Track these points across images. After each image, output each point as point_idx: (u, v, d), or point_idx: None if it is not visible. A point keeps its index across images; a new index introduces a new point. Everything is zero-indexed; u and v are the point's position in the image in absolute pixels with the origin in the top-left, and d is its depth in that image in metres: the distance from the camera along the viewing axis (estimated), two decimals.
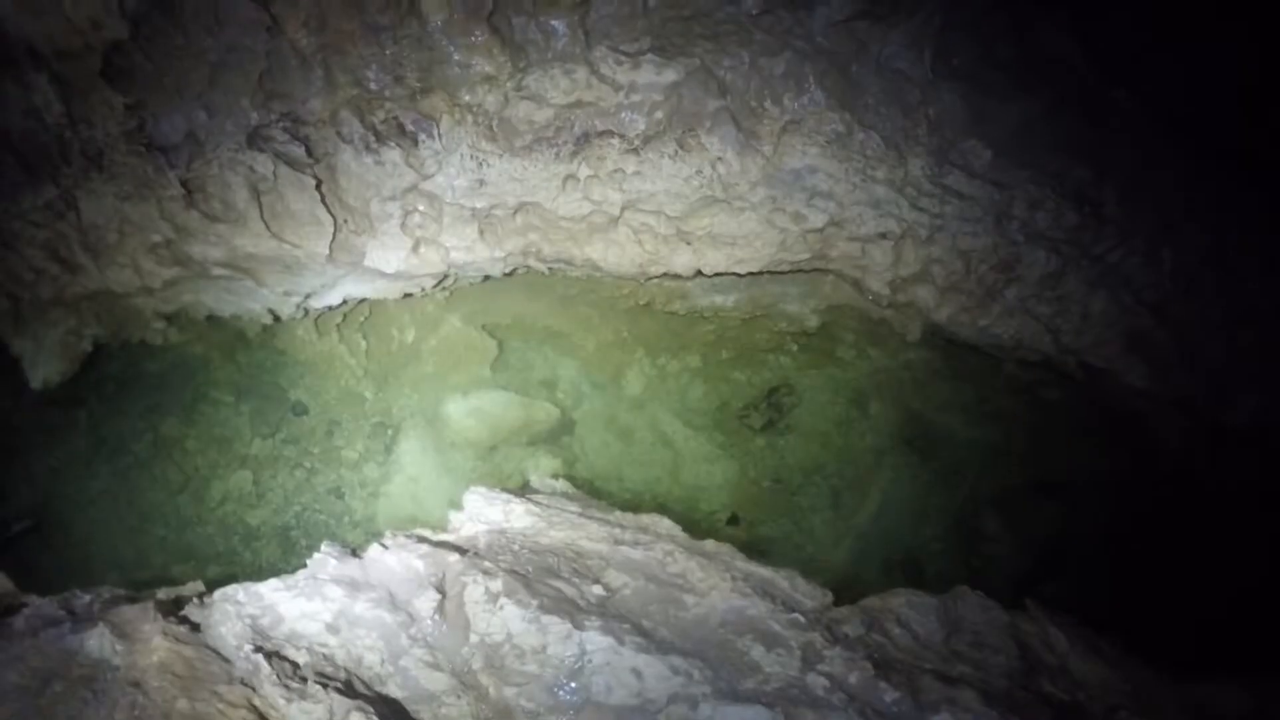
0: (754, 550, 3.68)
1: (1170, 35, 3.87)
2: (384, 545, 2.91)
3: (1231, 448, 3.93)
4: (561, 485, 3.48)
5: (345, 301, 3.97)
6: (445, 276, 3.83)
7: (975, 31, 3.98)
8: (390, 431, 3.89)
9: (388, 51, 3.80)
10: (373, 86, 3.80)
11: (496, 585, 2.73)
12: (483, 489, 3.23)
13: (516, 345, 3.93)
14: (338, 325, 4.29)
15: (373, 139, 3.77)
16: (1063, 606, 3.78)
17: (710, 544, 3.19)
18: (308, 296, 3.85)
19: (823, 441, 3.78)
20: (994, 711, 2.69)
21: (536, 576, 2.88)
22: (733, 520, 3.71)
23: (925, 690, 2.75)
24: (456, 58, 3.80)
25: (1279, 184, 4.07)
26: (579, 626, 2.60)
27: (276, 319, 3.99)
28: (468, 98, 3.78)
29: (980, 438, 3.87)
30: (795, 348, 3.84)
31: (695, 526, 3.66)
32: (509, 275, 3.83)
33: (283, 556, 3.34)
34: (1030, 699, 2.94)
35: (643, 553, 3.16)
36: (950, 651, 3.13)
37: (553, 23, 3.85)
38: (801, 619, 2.92)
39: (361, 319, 4.30)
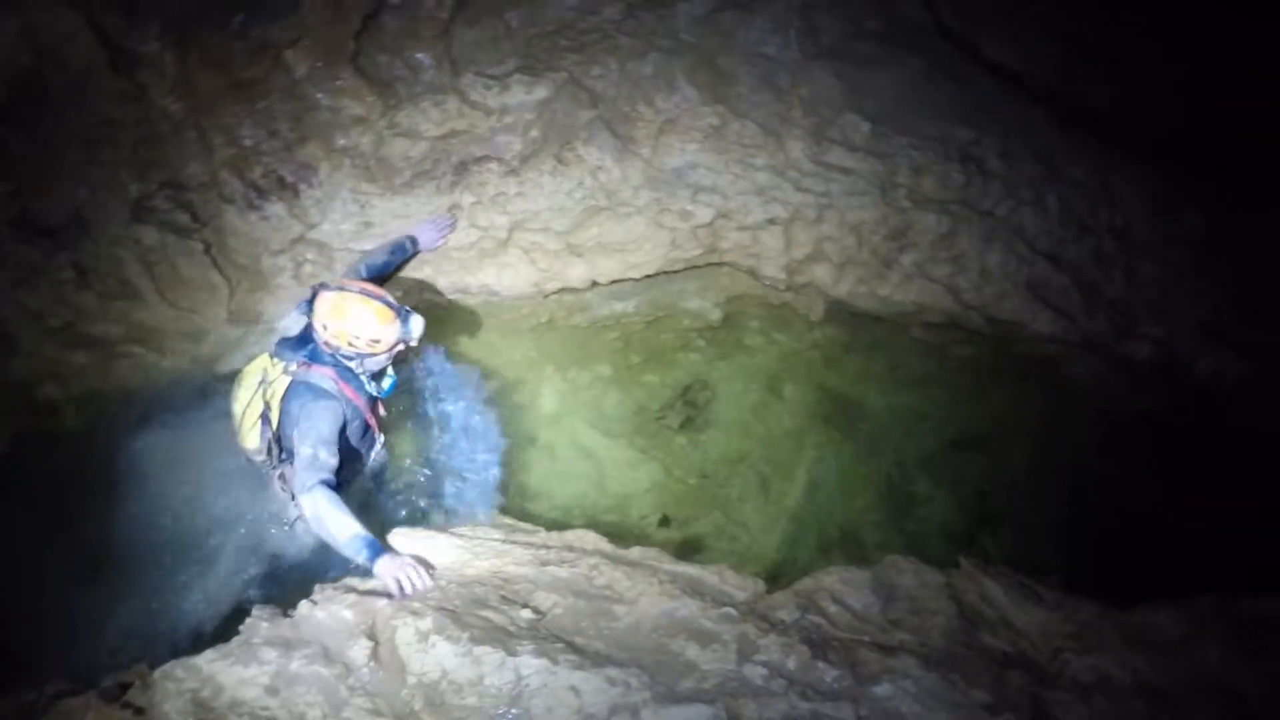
0: (689, 548, 3.72)
1: None
2: (313, 601, 2.91)
3: (1142, 379, 3.98)
4: (485, 514, 3.49)
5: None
6: None
7: (840, 8, 4.03)
8: None
9: (258, 107, 3.80)
10: (248, 143, 3.80)
11: (426, 624, 2.73)
12: (404, 530, 3.22)
13: None
14: None
15: (255, 195, 3.76)
16: (1002, 557, 3.83)
17: (636, 551, 3.20)
18: (214, 361, 3.83)
19: (743, 430, 3.81)
20: (933, 674, 2.72)
21: (465, 609, 2.88)
22: (664, 522, 3.72)
23: (864, 664, 2.76)
24: (326, 104, 3.80)
25: (1158, 122, 4.15)
26: (512, 653, 2.60)
27: None
28: (343, 141, 3.78)
29: (898, 404, 3.91)
30: (702, 343, 3.86)
31: (629, 534, 3.68)
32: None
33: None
34: (971, 655, 2.96)
35: (569, 570, 3.16)
36: (888, 621, 3.14)
37: (417, 56, 3.86)
38: (734, 612, 2.92)
39: None
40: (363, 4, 3.86)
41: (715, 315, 3.82)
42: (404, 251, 3.56)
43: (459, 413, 3.83)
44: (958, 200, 3.83)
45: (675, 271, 3.74)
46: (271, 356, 3.09)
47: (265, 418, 3.06)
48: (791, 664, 2.69)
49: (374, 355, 2.97)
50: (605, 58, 3.85)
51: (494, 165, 3.72)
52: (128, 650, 3.24)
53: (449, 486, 3.68)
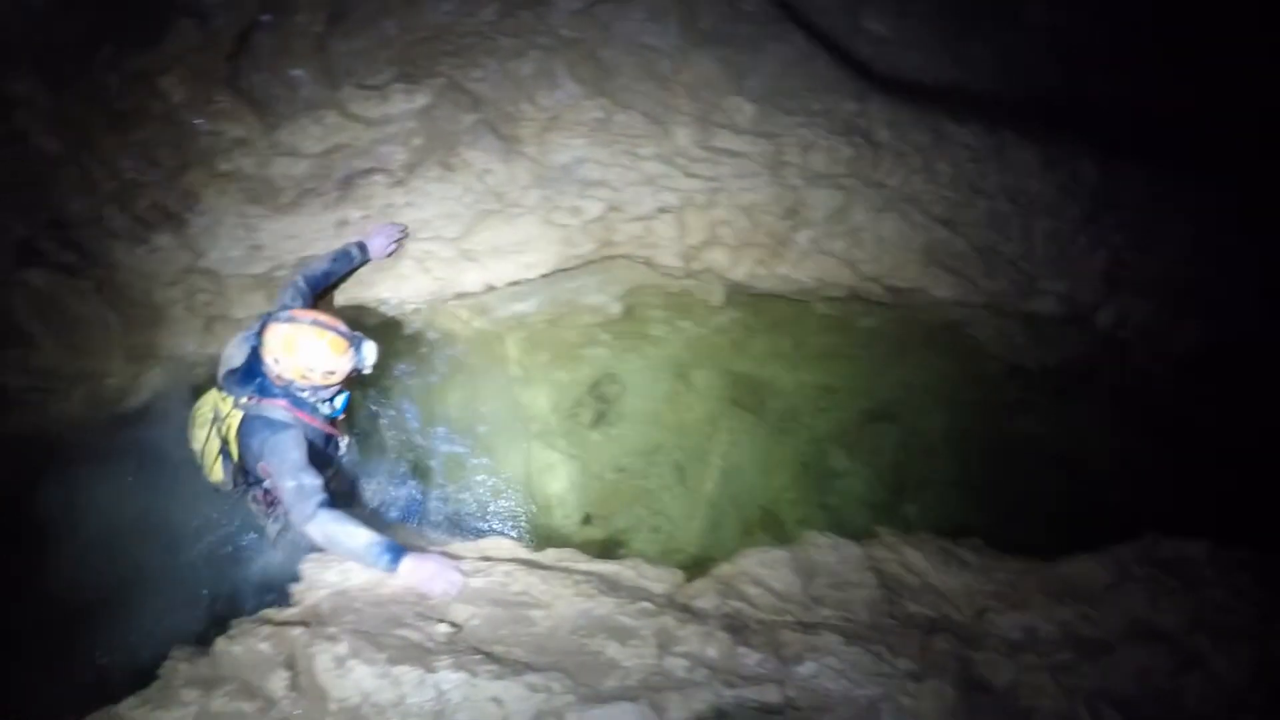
0: (613, 544, 3.71)
1: None
2: (229, 636, 2.88)
3: (1048, 333, 4.03)
4: (403, 530, 3.46)
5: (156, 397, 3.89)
6: None
7: None
8: None
9: (136, 138, 3.74)
10: (130, 176, 3.73)
11: (342, 648, 2.70)
12: (315, 555, 3.20)
13: None
14: None
15: (141, 228, 3.70)
16: (925, 523, 3.86)
17: (550, 553, 3.18)
18: (117, 401, 3.78)
19: (656, 421, 3.80)
20: (857, 647, 2.73)
21: (381, 629, 2.85)
22: (587, 520, 3.72)
23: (787, 644, 2.76)
24: (205, 128, 3.75)
25: (1041, 78, 4.18)
26: (431, 670, 2.58)
27: None
28: (225, 166, 3.72)
29: (807, 381, 3.92)
30: (607, 337, 3.85)
31: (554, 535, 3.68)
32: None
33: None
34: (895, 625, 2.97)
35: (484, 579, 3.14)
36: (811, 598, 3.14)
37: (294, 72, 3.81)
38: (651, 605, 2.91)
39: None
40: (234, 24, 3.81)
41: (616, 309, 3.81)
42: (349, 260, 3.39)
43: (374, 429, 3.81)
44: (849, 173, 3.84)
45: (572, 268, 3.72)
46: (219, 390, 2.99)
47: (225, 452, 3.00)
48: (712, 652, 2.68)
49: (326, 388, 2.90)
50: (485, 59, 3.82)
51: (380, 177, 3.68)
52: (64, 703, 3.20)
53: (366, 504, 3.65)
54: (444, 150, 3.69)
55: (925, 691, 2.50)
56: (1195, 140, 4.23)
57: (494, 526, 3.73)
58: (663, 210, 3.73)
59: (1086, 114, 4.16)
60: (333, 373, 2.82)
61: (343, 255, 3.36)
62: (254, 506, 3.21)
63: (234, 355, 2.99)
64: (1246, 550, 2.94)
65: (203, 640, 2.86)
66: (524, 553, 3.21)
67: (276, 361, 2.78)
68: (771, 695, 2.49)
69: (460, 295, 3.69)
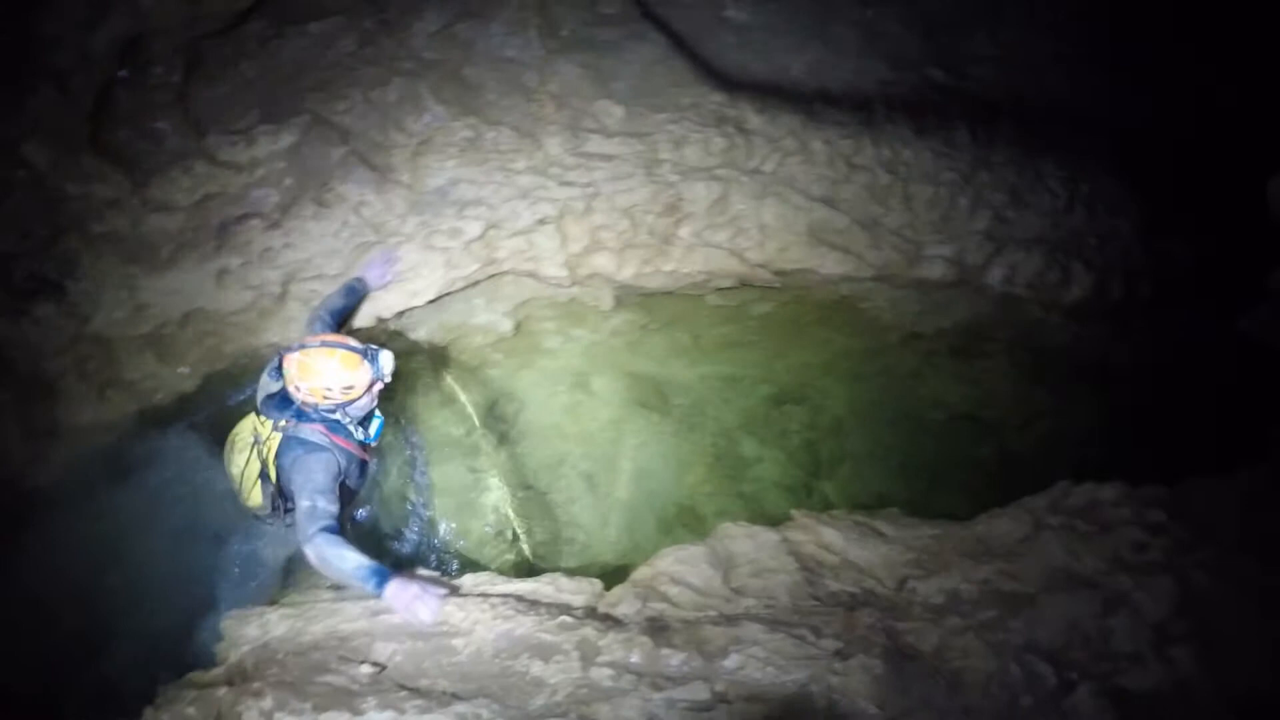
0: (530, 562, 3.74)
1: None
2: (155, 705, 2.88)
3: (941, 298, 4.08)
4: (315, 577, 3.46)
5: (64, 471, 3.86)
6: (142, 412, 3.77)
7: None
8: None
9: (5, 209, 3.70)
10: (3, 248, 3.69)
11: (267, 703, 2.69)
12: (236, 611, 3.20)
13: None
14: None
15: (20, 301, 3.66)
16: (844, 500, 3.91)
17: (467, 579, 3.18)
18: (16, 481, 3.75)
19: (558, 433, 3.83)
20: (780, 634, 2.73)
21: (305, 678, 2.85)
22: (505, 539, 3.74)
23: (710, 640, 2.75)
24: (75, 191, 3.71)
25: (908, 53, 4.22)
26: (357, 712, 2.57)
27: None
28: (99, 228, 3.69)
29: (709, 373, 3.96)
30: (500, 355, 3.86)
31: (469, 560, 3.69)
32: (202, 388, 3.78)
33: None
34: (818, 605, 2.97)
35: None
36: (732, 590, 3.12)
37: (157, 125, 3.79)
38: (571, 619, 2.91)
39: None
40: (92, 83, 3.78)
41: (507, 325, 3.83)
42: (355, 294, 3.49)
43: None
44: (724, 164, 3.87)
45: (459, 290, 3.73)
46: (258, 414, 3.06)
47: (264, 475, 3.05)
48: (636, 658, 2.66)
49: (354, 401, 2.95)
50: (348, 90, 3.81)
51: (255, 221, 3.67)
52: None
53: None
54: (316, 187, 3.69)
55: (853, 668, 2.49)
56: (1067, 94, 4.30)
57: (406, 558, 3.74)
58: (542, 222, 3.74)
59: (957, 79, 4.21)
60: (351, 387, 2.90)
61: (350, 290, 3.45)
62: (289, 533, 3.21)
63: (269, 383, 3.06)
64: (1157, 486, 2.94)
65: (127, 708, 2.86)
66: (440, 581, 3.21)
67: (297, 390, 2.89)
68: (700, 693, 2.49)
69: (351, 331, 3.69)
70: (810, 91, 3.99)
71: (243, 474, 3.14)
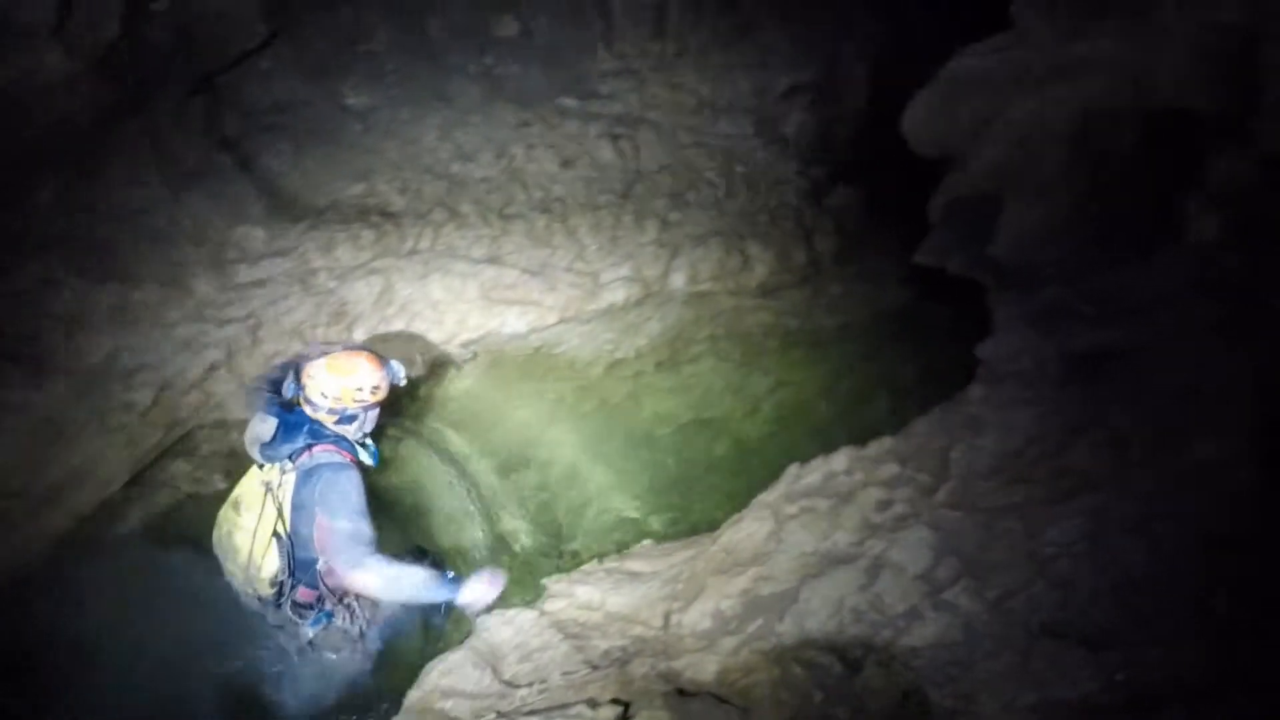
0: None
1: None
2: None
3: (631, 320, 4.13)
4: None
5: None
6: None
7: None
8: None
9: None
10: None
11: None
12: None
13: None
14: None
15: None
16: (596, 548, 3.89)
17: None
18: None
19: None
20: (556, 716, 2.68)
21: None
22: None
23: None
24: None
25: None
26: None
27: None
28: None
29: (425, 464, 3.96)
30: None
31: None
32: None
33: None
34: (591, 672, 2.62)
35: None
36: (505, 685, 2.64)
37: None
38: None
39: None
40: None
41: (220, 483, 3.81)
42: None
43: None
44: (378, 254, 3.88)
45: (150, 464, 3.70)
46: (261, 465, 2.87)
47: (277, 533, 2.83)
48: None
49: (375, 406, 2.87)
50: None
51: None
52: None
53: None
54: None
55: None
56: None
57: None
58: (213, 368, 3.72)
59: (586, 100, 4.20)
60: (378, 388, 2.83)
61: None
62: (291, 614, 3.02)
63: (262, 430, 2.85)
64: (882, 439, 2.90)
65: None
66: None
67: (324, 395, 2.76)
68: None
69: None
70: (447, 156, 3.97)
71: (253, 540, 2.88)
